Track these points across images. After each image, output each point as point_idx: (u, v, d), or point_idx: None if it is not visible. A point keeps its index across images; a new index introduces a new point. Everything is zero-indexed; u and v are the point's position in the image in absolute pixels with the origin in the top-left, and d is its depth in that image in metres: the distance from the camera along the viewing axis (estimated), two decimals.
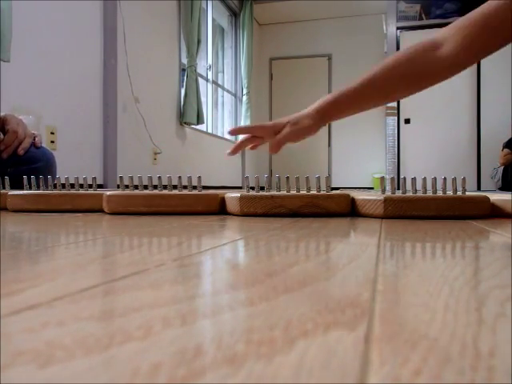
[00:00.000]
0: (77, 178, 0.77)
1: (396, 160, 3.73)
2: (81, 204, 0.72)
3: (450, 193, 0.62)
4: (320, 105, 0.74)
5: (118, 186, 0.74)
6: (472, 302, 0.17)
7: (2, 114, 1.13)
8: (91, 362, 0.11)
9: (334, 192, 0.66)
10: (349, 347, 0.12)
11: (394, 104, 3.68)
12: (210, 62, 4.21)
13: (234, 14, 4.82)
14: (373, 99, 0.74)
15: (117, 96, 2.59)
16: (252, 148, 0.80)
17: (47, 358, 0.12)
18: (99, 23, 2.50)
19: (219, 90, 4.64)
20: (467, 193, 0.62)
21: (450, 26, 0.67)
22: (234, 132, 0.81)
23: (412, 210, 0.59)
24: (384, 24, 3.88)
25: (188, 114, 3.40)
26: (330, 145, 5.32)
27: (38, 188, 0.77)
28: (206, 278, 0.23)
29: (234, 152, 0.77)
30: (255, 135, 0.77)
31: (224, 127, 4.76)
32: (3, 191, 0.78)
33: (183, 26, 3.41)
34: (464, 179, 0.63)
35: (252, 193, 0.65)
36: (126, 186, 0.73)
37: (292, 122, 0.74)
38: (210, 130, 4.21)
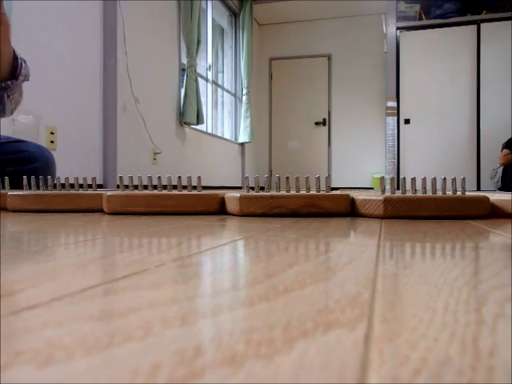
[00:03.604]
0: (77, 178, 0.76)
1: (396, 160, 3.73)
2: (81, 204, 0.72)
3: (449, 193, 0.62)
4: None
5: (118, 186, 0.74)
6: (472, 302, 0.17)
7: None
8: (91, 362, 0.11)
9: (334, 192, 0.66)
10: (349, 347, 0.12)
11: (394, 104, 3.68)
12: (209, 62, 4.20)
13: (234, 14, 4.82)
14: None
15: (117, 96, 2.59)
16: None
17: (47, 357, 0.12)
18: (99, 23, 2.50)
19: (219, 90, 4.64)
20: (467, 193, 0.62)
21: None
22: None
23: (412, 210, 0.59)
24: (384, 24, 3.87)
25: (188, 114, 3.40)
26: (329, 145, 5.32)
27: (38, 188, 0.77)
28: (206, 278, 0.23)
29: None
30: None
31: (224, 127, 4.76)
32: (3, 191, 0.78)
33: (183, 26, 3.41)
34: (464, 179, 0.63)
35: (252, 193, 0.64)
36: (126, 186, 0.73)
37: None
38: (209, 130, 4.20)
